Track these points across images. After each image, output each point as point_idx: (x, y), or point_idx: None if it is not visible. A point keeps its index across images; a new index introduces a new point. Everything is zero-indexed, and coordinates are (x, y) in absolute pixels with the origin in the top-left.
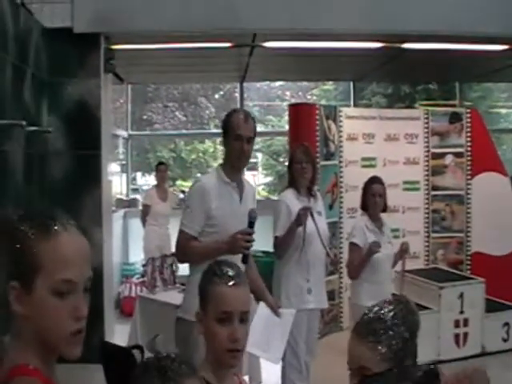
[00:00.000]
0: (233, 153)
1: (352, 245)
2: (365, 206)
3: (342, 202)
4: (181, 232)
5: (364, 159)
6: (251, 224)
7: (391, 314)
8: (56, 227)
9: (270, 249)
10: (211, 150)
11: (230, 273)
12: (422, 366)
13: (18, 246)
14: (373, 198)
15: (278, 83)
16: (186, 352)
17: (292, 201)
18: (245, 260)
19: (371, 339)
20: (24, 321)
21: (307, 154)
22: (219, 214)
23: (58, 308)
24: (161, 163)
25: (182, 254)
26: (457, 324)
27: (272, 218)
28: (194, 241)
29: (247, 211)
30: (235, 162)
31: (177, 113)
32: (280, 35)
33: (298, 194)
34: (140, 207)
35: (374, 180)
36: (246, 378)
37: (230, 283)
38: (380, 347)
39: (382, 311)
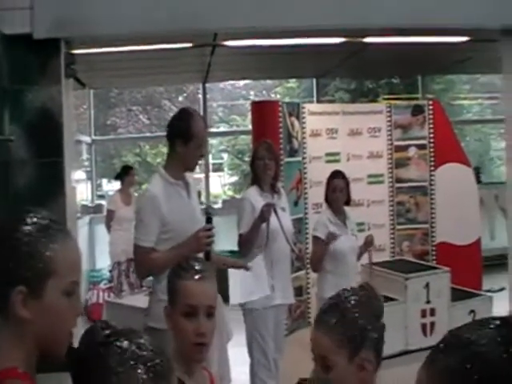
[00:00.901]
0: (191, 159)
1: (314, 238)
2: (328, 200)
3: (306, 198)
4: (137, 247)
5: (328, 154)
6: (209, 220)
7: (350, 300)
8: (62, 231)
9: (236, 248)
10: None
11: (197, 267)
12: None
13: (26, 250)
14: (334, 192)
15: (241, 83)
16: None
17: (255, 198)
18: (207, 257)
19: (325, 327)
20: (25, 324)
21: (269, 151)
22: (173, 217)
23: (67, 308)
24: (129, 167)
25: (143, 269)
26: (423, 314)
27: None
28: (153, 252)
29: (196, 206)
30: (191, 166)
31: (140, 116)
32: (241, 34)
33: (262, 191)
34: (105, 213)
35: (336, 175)
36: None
37: (196, 277)
38: (334, 334)
39: (340, 298)
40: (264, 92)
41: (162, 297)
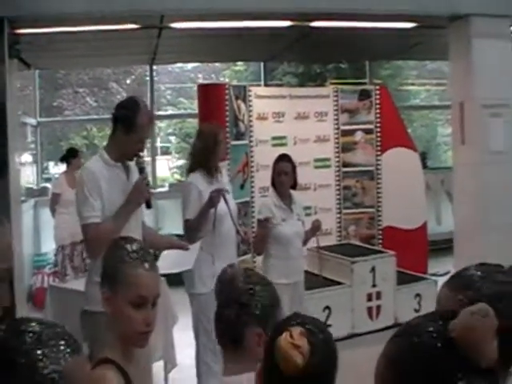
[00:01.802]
0: (130, 149)
1: (258, 221)
2: (274, 184)
3: (253, 182)
4: (86, 226)
5: (274, 138)
6: (142, 170)
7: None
8: None
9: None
10: None
11: (143, 253)
12: None
13: None
14: (279, 176)
15: (190, 66)
16: (95, 347)
17: (202, 183)
18: (149, 205)
19: None
20: None
21: (222, 137)
22: (110, 198)
23: None
24: (74, 149)
25: (98, 246)
26: (369, 297)
27: None
28: (101, 226)
29: None
30: (129, 156)
31: (88, 98)
32: (188, 16)
33: (207, 175)
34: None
35: (282, 158)
36: (161, 362)
37: (147, 266)
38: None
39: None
40: (213, 75)
41: (97, 279)
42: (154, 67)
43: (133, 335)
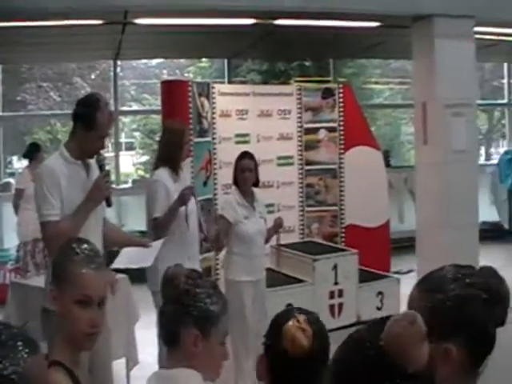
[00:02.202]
0: (91, 148)
1: (220, 217)
2: (236, 182)
3: (216, 179)
4: (45, 224)
5: (238, 135)
6: (102, 167)
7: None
8: None
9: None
10: None
11: (92, 254)
12: None
13: None
14: (242, 173)
15: (154, 62)
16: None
17: (168, 180)
18: (109, 203)
19: None
20: None
21: (187, 134)
22: (69, 195)
23: None
24: (36, 144)
25: (55, 243)
26: (331, 295)
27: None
28: (59, 224)
29: None
30: (88, 154)
31: (51, 93)
32: (152, 12)
33: (172, 173)
34: (13, 191)
35: (244, 155)
36: (123, 360)
37: (93, 266)
38: None
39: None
40: (177, 71)
41: None
42: (119, 62)
43: (78, 336)
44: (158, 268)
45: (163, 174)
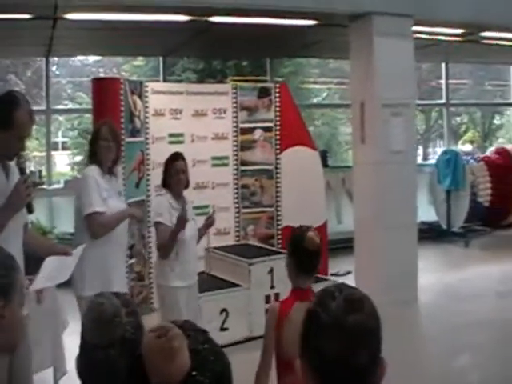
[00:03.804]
0: (10, 149)
1: (159, 224)
2: (167, 184)
3: (148, 180)
4: None
5: (171, 135)
6: (22, 171)
7: None
8: None
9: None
10: None
11: None
12: None
13: None
14: (176, 175)
15: (91, 59)
16: None
17: (98, 177)
18: (30, 209)
19: None
20: None
21: (113, 132)
22: None
23: None
24: None
25: None
26: (268, 299)
27: None
28: None
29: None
30: (8, 155)
31: None
32: (83, 7)
33: (101, 171)
34: None
35: (177, 157)
36: (51, 369)
37: None
38: None
39: None
40: (114, 70)
41: None
42: (55, 60)
43: None
44: (84, 272)
45: (93, 170)
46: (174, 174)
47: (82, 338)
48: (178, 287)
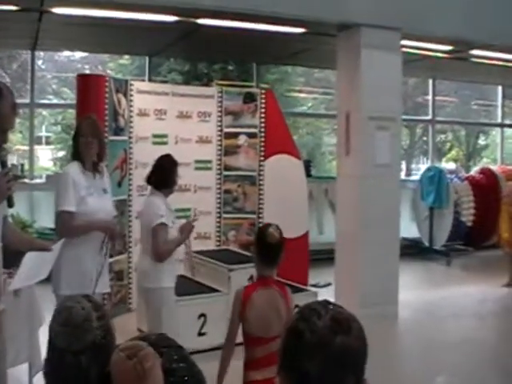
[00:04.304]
0: None
1: (163, 225)
2: (164, 185)
3: (131, 180)
4: None
5: (155, 136)
6: (3, 164)
7: None
8: None
9: None
10: None
11: None
12: None
13: None
14: (177, 178)
15: (77, 56)
16: None
17: (77, 174)
18: (10, 203)
19: None
20: None
21: (94, 128)
22: None
23: None
24: None
25: None
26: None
27: None
28: None
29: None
30: None
31: None
32: (70, 2)
33: (84, 169)
34: None
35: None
36: (26, 365)
37: None
38: None
39: None
40: (100, 67)
41: None
42: (41, 54)
43: None
44: (60, 270)
45: (73, 167)
46: (175, 177)
47: (51, 341)
48: (170, 287)
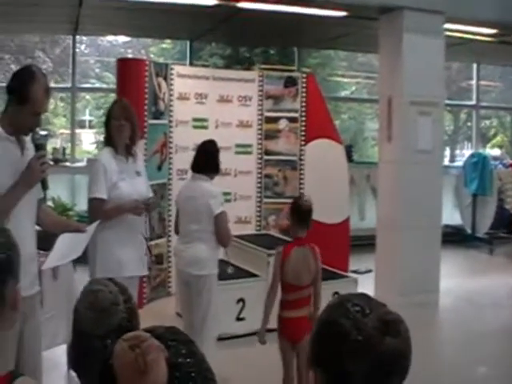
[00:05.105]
0: (24, 124)
1: (224, 213)
2: (215, 170)
3: (171, 163)
4: None
5: (195, 120)
6: (39, 146)
7: None
8: None
9: None
10: (51, 106)
11: None
12: None
13: None
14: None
15: (120, 40)
16: None
17: (109, 160)
18: (45, 185)
19: None
20: None
21: (126, 110)
22: None
23: None
24: None
25: None
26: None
27: None
28: None
29: None
30: (22, 130)
31: (12, 66)
32: None
33: (116, 153)
34: None
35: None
36: (65, 346)
37: None
38: None
39: None
40: (143, 51)
41: None
42: (84, 39)
43: None
44: (95, 256)
45: (105, 154)
46: (219, 162)
47: (76, 325)
48: (217, 273)
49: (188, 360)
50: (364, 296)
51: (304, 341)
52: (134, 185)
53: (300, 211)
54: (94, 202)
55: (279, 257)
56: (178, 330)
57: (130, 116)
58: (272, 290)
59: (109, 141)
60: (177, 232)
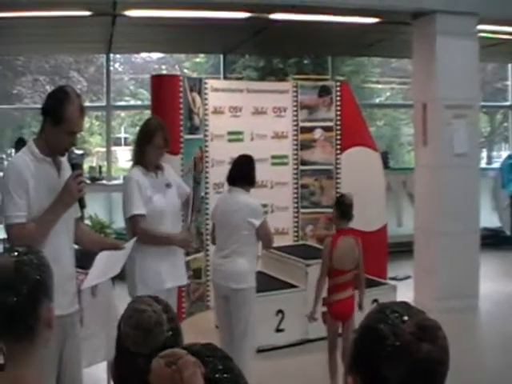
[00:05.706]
0: (60, 144)
1: (264, 222)
2: (252, 183)
3: (207, 177)
4: (10, 226)
5: (230, 133)
6: (75, 166)
7: None
8: None
9: None
10: (87, 124)
11: None
12: None
13: None
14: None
15: (154, 57)
16: None
17: (141, 177)
18: (82, 204)
19: None
20: None
21: (167, 138)
22: (37, 194)
23: None
24: (23, 140)
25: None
26: (324, 302)
27: None
28: (26, 226)
29: None
30: (58, 150)
31: (47, 87)
32: (141, 3)
33: (146, 171)
34: None
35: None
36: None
37: None
38: None
39: None
40: (176, 67)
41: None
42: (117, 57)
43: None
44: (134, 271)
45: (135, 172)
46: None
47: (120, 344)
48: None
49: (225, 375)
50: (404, 304)
51: (351, 319)
52: (167, 197)
53: (343, 205)
54: (135, 219)
55: (327, 246)
56: (214, 347)
57: (169, 141)
58: (322, 277)
59: (141, 161)
60: (213, 242)
